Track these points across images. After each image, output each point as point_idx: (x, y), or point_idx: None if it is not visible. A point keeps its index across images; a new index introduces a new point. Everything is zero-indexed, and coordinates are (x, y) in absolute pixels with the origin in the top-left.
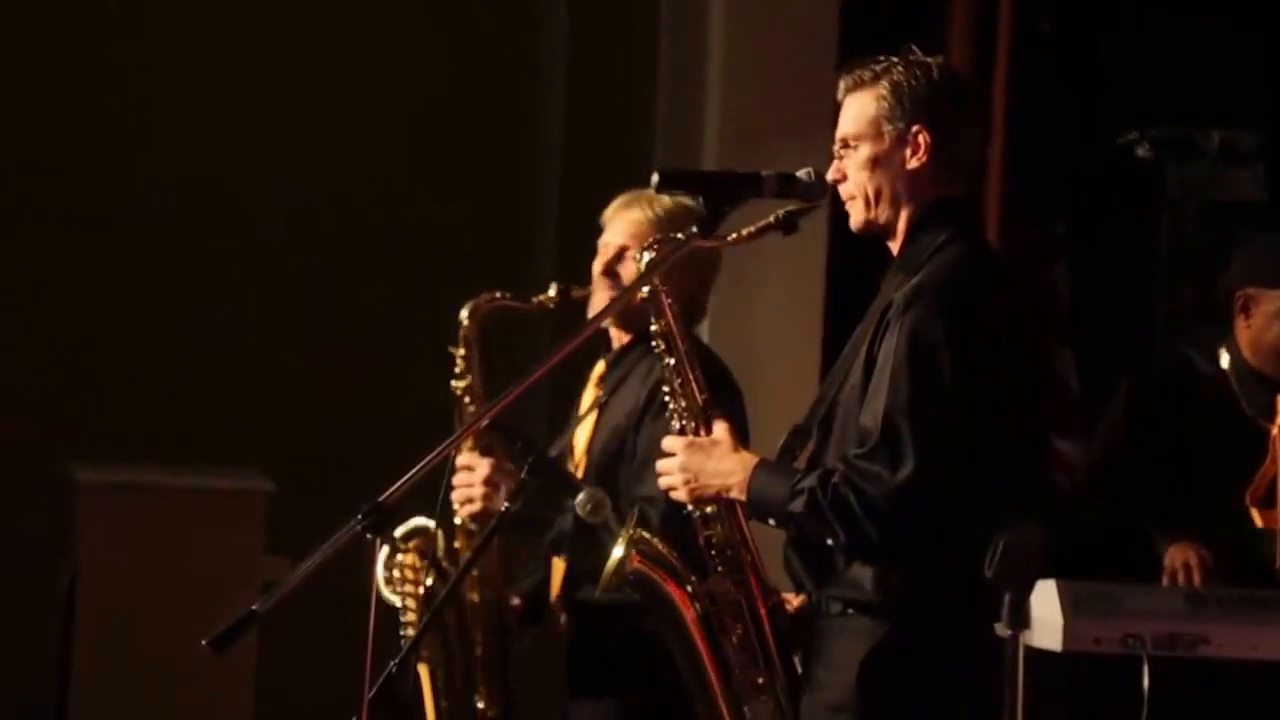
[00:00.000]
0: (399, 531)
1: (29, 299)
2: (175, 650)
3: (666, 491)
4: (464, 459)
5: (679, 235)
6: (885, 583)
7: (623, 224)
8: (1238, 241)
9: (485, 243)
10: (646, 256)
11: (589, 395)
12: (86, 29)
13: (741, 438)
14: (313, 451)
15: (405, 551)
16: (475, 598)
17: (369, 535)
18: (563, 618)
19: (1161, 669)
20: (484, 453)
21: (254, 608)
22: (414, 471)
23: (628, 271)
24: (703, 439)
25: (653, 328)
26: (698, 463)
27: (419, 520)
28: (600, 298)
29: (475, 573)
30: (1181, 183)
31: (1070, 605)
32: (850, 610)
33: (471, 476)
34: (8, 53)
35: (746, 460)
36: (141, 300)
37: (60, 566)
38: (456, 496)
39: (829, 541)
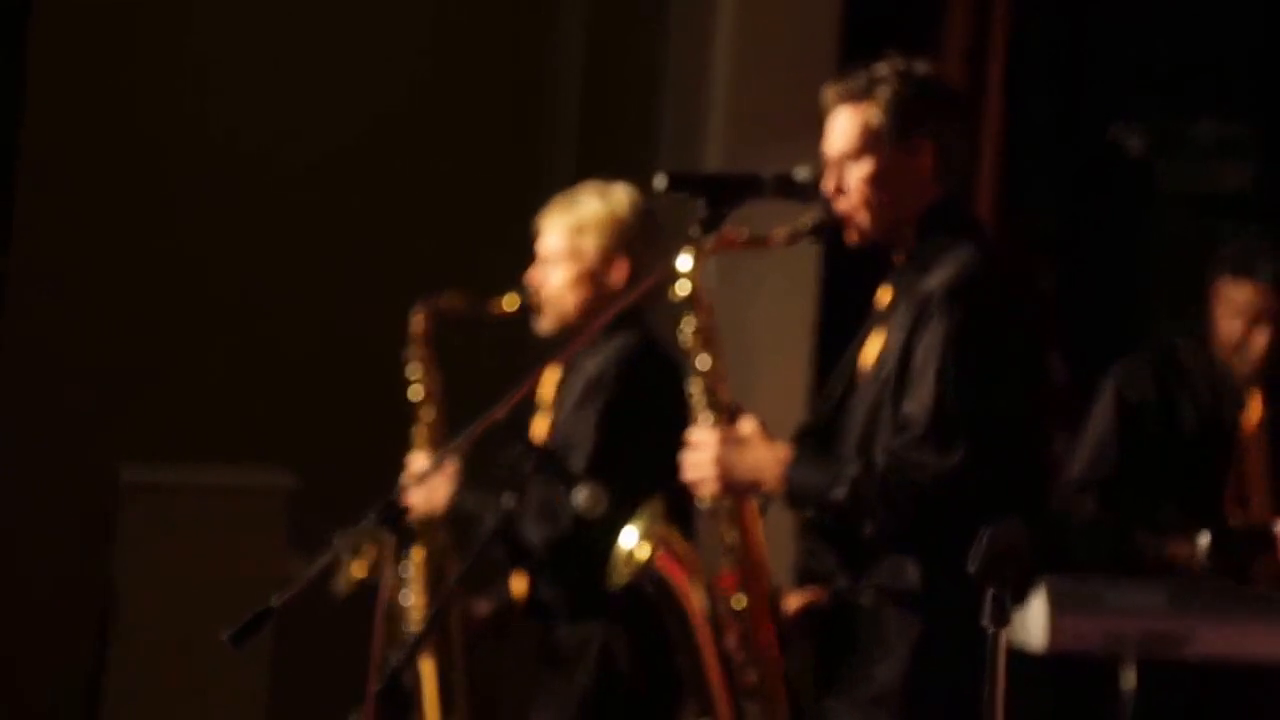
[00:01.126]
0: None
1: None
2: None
3: (694, 484)
4: (413, 457)
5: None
6: (921, 575)
7: (553, 231)
8: (1226, 234)
9: (501, 246)
10: (683, 257)
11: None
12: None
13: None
14: (336, 448)
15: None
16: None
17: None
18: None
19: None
20: (436, 453)
21: (271, 603)
22: (425, 472)
23: (551, 278)
24: (734, 432)
25: (687, 327)
26: (733, 456)
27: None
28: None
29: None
30: (1172, 176)
31: (1054, 602)
32: (886, 602)
33: (428, 489)
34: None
35: (779, 453)
36: (167, 302)
37: (100, 564)
38: (413, 499)
39: (866, 531)
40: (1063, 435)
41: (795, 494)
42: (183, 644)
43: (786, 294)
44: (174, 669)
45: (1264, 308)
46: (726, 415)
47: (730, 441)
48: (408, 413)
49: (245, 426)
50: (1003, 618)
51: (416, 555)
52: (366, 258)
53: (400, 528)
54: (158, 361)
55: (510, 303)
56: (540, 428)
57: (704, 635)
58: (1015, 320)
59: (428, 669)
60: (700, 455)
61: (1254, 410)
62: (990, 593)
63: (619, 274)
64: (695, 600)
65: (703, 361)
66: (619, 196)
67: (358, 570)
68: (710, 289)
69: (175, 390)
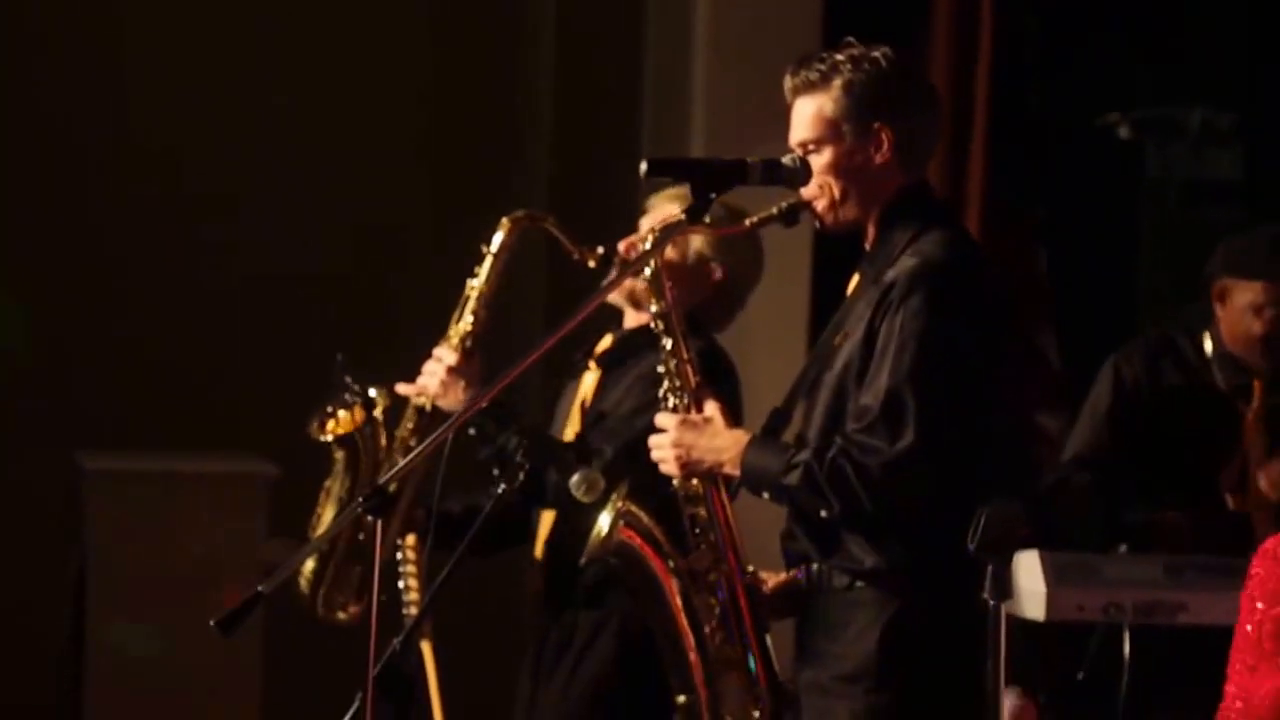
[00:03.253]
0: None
1: (31, 289)
2: (184, 632)
3: (657, 466)
4: (440, 350)
5: (677, 221)
6: (886, 554)
7: (661, 214)
8: (1216, 221)
9: (477, 236)
10: (649, 239)
11: (589, 378)
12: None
13: (735, 421)
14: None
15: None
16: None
17: (370, 517)
18: (540, 580)
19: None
20: (463, 355)
21: (260, 589)
22: (414, 454)
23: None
24: (695, 416)
25: (652, 308)
26: (690, 438)
27: (371, 391)
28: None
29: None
30: (1162, 162)
31: (1053, 575)
32: (858, 583)
33: (437, 366)
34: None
35: (739, 437)
36: (143, 288)
37: (70, 553)
38: (422, 379)
39: (823, 514)
40: (1058, 416)
41: (750, 478)
42: (165, 634)
43: (780, 278)
44: (155, 659)
45: (1270, 302)
46: (691, 398)
47: (690, 425)
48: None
49: (227, 416)
50: (1003, 592)
51: (409, 540)
52: (344, 249)
53: (388, 509)
54: (138, 351)
55: (595, 257)
56: (573, 427)
57: (677, 608)
58: (977, 308)
59: (428, 651)
60: (661, 437)
61: (1255, 399)
62: (990, 568)
63: (717, 274)
64: (664, 574)
65: (667, 345)
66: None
67: (340, 425)
68: None
69: (153, 379)
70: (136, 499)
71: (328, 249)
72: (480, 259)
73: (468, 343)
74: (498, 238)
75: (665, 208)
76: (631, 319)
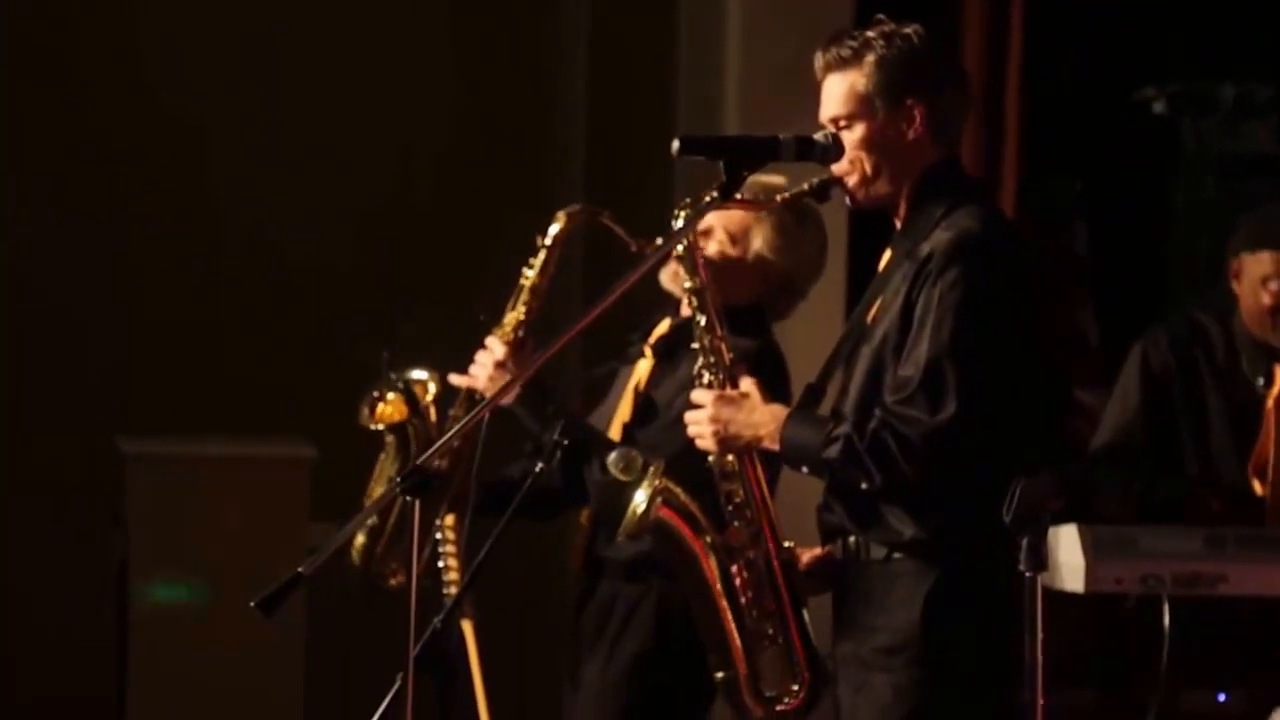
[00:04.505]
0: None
1: (69, 272)
2: (226, 615)
3: (694, 441)
4: (491, 340)
5: (707, 198)
6: (925, 525)
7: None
8: (1252, 195)
9: (515, 217)
10: (681, 216)
11: (644, 364)
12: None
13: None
14: (354, 418)
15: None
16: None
17: (407, 497)
18: (581, 552)
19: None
20: (513, 346)
21: (300, 570)
22: (450, 434)
23: (708, 248)
24: (731, 392)
25: (686, 285)
26: (728, 414)
27: (420, 372)
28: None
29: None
30: (1197, 137)
31: (1092, 547)
32: (896, 554)
33: (486, 358)
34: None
35: (777, 411)
36: (181, 273)
37: (112, 538)
38: (473, 369)
39: (864, 486)
40: (1096, 391)
41: (790, 452)
42: (209, 617)
43: None
44: (198, 641)
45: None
46: (726, 374)
47: (727, 400)
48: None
49: (267, 399)
50: (1039, 563)
51: (448, 519)
52: (384, 233)
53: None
54: (179, 336)
55: (652, 248)
56: (623, 414)
57: (715, 584)
58: (1014, 280)
59: (469, 630)
60: (698, 413)
61: (1276, 382)
62: (1026, 540)
63: (777, 273)
64: (702, 551)
65: (701, 321)
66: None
67: (390, 413)
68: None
69: (192, 363)
70: (177, 483)
71: (365, 234)
72: (535, 249)
73: (519, 331)
74: (553, 229)
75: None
76: (688, 308)
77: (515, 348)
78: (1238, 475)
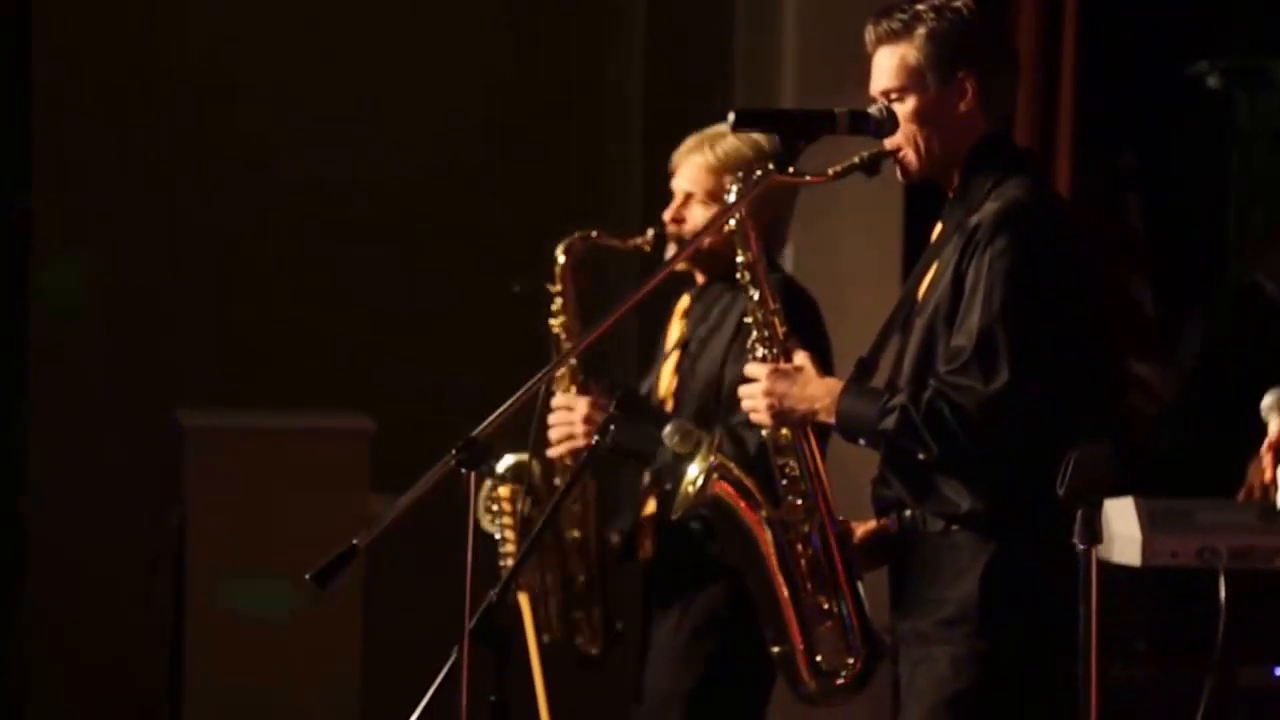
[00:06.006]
0: (500, 468)
1: (134, 247)
2: (284, 587)
3: (749, 416)
4: (561, 399)
5: (760, 171)
6: (982, 496)
7: (687, 169)
8: None
9: (572, 189)
10: (734, 190)
11: (674, 329)
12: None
13: (823, 342)
14: (412, 390)
15: (502, 483)
16: (574, 534)
17: (464, 469)
18: (647, 543)
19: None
20: (580, 391)
21: (354, 542)
22: (506, 407)
23: (693, 217)
24: (786, 365)
25: (738, 259)
26: (783, 387)
27: (515, 456)
28: (671, 245)
29: (574, 508)
30: (1252, 112)
31: (1148, 521)
32: (954, 526)
33: (571, 415)
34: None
35: (832, 384)
36: (243, 247)
37: (170, 511)
38: (555, 435)
39: (921, 457)
40: (1153, 363)
41: (846, 424)
42: (267, 590)
43: (872, 231)
44: (255, 615)
45: None
46: (780, 348)
47: (781, 374)
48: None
49: (326, 372)
50: (1094, 537)
51: (505, 491)
52: (440, 207)
53: (483, 465)
54: (239, 309)
55: (647, 241)
56: (666, 371)
57: (771, 559)
58: (1063, 248)
59: (525, 603)
60: (752, 387)
61: None
62: (1080, 512)
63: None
64: (758, 525)
65: (754, 295)
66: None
67: (503, 508)
68: (795, 229)
69: (250, 336)
70: (235, 456)
71: (420, 208)
72: (549, 299)
73: (579, 378)
74: (557, 270)
75: (691, 161)
76: (700, 280)
77: (586, 391)
78: None
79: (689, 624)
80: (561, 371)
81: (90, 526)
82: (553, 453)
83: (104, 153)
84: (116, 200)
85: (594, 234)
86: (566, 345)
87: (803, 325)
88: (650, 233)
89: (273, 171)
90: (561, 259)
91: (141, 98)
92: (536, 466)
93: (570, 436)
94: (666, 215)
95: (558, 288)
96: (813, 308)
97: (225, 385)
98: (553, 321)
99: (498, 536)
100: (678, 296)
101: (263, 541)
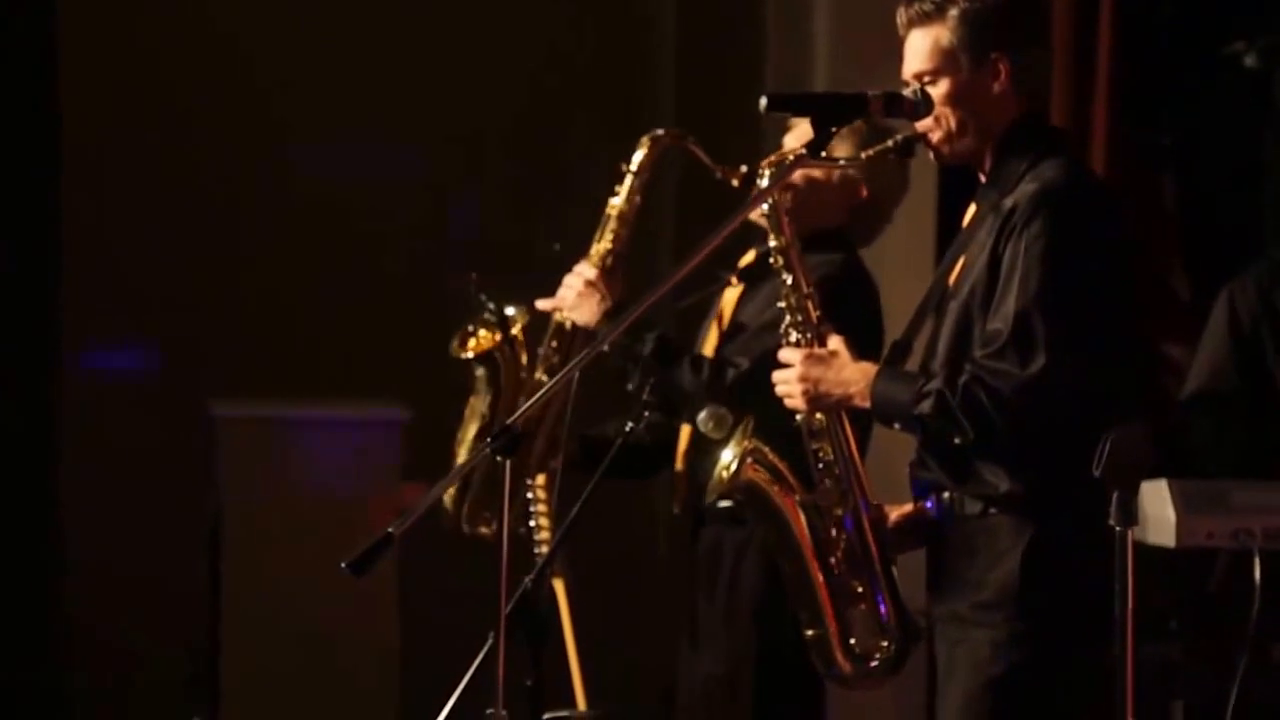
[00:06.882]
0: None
1: (166, 241)
2: (320, 576)
3: (783, 401)
4: (581, 266)
5: (792, 155)
6: (1020, 479)
7: (800, 132)
8: None
9: (603, 183)
10: (767, 175)
11: (731, 293)
12: None
13: (874, 351)
14: (445, 380)
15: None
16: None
17: (499, 458)
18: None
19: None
20: (603, 273)
21: (389, 530)
22: (541, 393)
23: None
24: (820, 350)
25: (770, 243)
26: (818, 372)
27: (509, 307)
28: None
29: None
30: None
31: (1182, 502)
32: (992, 509)
33: (575, 279)
34: None
35: (866, 369)
36: (276, 238)
37: (205, 500)
38: (560, 292)
39: (957, 441)
40: (1185, 348)
41: (882, 408)
42: (304, 579)
43: (906, 215)
44: (291, 604)
45: None
46: (814, 333)
47: (816, 359)
48: (529, 320)
49: (361, 362)
50: (1130, 518)
51: (539, 479)
52: (470, 185)
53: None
54: (273, 300)
55: (738, 176)
56: (711, 342)
57: (805, 543)
58: (1100, 230)
59: (560, 588)
60: (787, 372)
61: None
62: (1116, 495)
63: (862, 192)
64: (791, 509)
65: (787, 280)
66: None
67: (479, 343)
68: None
69: (285, 326)
70: (270, 445)
71: (454, 190)
72: (620, 177)
73: (608, 260)
74: (638, 156)
75: (806, 126)
76: (774, 265)
77: (604, 274)
78: None
79: (741, 606)
80: (603, 247)
81: (125, 518)
82: (541, 304)
83: (132, 147)
84: (147, 191)
85: (690, 138)
86: (613, 228)
87: (854, 307)
88: (744, 169)
89: (305, 163)
90: (645, 147)
91: (168, 95)
92: (522, 318)
93: (560, 300)
94: (765, 163)
95: (630, 168)
96: (867, 289)
97: (259, 376)
98: (612, 201)
99: (532, 524)
100: (743, 250)
101: (297, 531)
